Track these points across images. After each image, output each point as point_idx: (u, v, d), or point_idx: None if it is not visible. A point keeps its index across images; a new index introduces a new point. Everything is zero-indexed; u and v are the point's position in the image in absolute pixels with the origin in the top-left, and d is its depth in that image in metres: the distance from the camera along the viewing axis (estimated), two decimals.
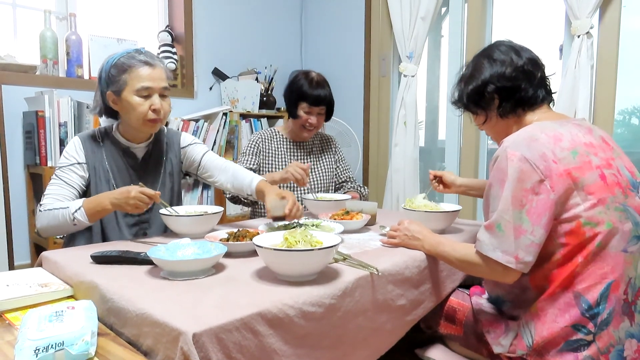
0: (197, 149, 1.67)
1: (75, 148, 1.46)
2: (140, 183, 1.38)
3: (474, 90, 1.23)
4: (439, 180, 1.66)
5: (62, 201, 1.38)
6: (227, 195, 1.95)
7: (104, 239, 1.48)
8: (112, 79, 1.41)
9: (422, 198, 1.59)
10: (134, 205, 1.31)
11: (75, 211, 1.32)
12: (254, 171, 1.98)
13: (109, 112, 1.49)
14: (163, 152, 1.60)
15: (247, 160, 2.00)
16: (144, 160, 1.55)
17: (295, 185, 2.01)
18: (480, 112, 1.26)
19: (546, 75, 1.22)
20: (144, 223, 1.54)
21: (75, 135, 1.53)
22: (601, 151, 1.08)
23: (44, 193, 1.41)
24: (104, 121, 1.60)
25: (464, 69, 1.30)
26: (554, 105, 1.25)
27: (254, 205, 2.03)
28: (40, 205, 1.38)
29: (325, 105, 2.00)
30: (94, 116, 2.26)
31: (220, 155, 2.73)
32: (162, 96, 1.45)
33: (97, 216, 1.36)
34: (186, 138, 1.68)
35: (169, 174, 1.61)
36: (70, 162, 1.44)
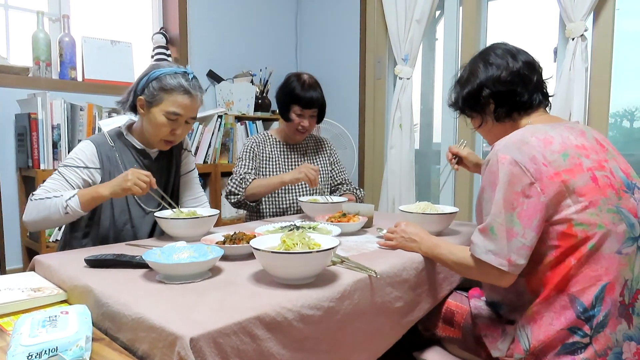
0: (192, 159, 1.75)
1: (87, 154, 1.45)
2: (135, 166, 1.40)
3: (469, 94, 1.23)
4: (459, 160, 1.58)
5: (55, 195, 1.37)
6: (232, 200, 1.94)
7: (117, 239, 1.49)
8: (150, 90, 1.44)
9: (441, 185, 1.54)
10: (133, 182, 1.30)
11: (69, 199, 1.31)
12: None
13: (134, 109, 1.52)
14: (173, 150, 1.65)
15: (246, 165, 1.98)
16: (157, 159, 1.60)
17: (304, 185, 2.02)
18: (476, 116, 1.26)
19: (543, 78, 1.22)
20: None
21: (86, 139, 1.52)
22: (593, 153, 1.08)
23: (40, 185, 1.40)
24: (103, 124, 1.61)
25: (460, 72, 1.30)
26: (550, 108, 1.25)
27: (254, 210, 2.02)
28: (32, 194, 1.36)
29: (318, 107, 1.99)
30: (87, 119, 2.24)
31: (215, 159, 2.75)
32: (186, 122, 1.50)
33: (91, 203, 1.35)
34: (187, 141, 1.74)
35: (175, 173, 1.66)
36: (77, 164, 1.44)
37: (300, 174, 1.77)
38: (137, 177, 1.31)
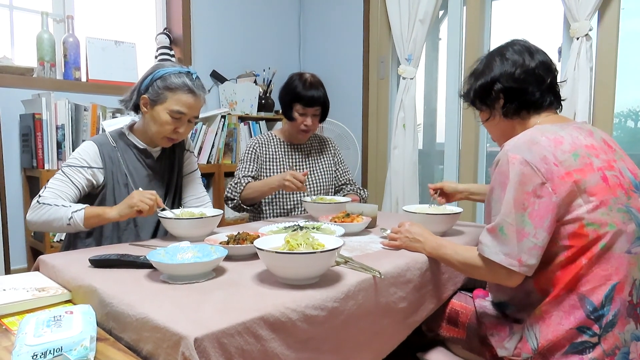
0: (194, 160, 1.75)
1: (90, 154, 1.46)
2: (139, 188, 1.40)
3: (481, 87, 1.22)
4: (440, 192, 1.64)
5: (63, 199, 1.37)
6: (230, 205, 1.94)
7: (120, 238, 1.49)
8: (154, 89, 1.46)
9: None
10: (142, 203, 1.29)
11: (75, 211, 1.31)
12: (254, 178, 1.97)
13: (137, 109, 1.53)
14: (175, 151, 1.65)
15: (246, 168, 1.98)
16: (159, 159, 1.60)
17: (308, 186, 2.01)
18: (485, 109, 1.26)
19: (557, 81, 1.21)
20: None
21: (88, 139, 1.53)
22: (603, 153, 1.08)
23: (46, 185, 1.40)
24: (106, 125, 1.61)
25: (476, 64, 1.29)
26: (561, 111, 1.24)
27: (257, 211, 2.02)
28: (39, 196, 1.36)
29: (320, 105, 1.99)
30: (92, 119, 2.25)
31: (218, 159, 2.75)
32: (189, 121, 1.51)
33: (94, 221, 1.34)
34: (190, 142, 1.74)
35: (177, 173, 1.66)
36: (80, 164, 1.44)
37: (286, 182, 1.74)
38: (140, 198, 1.30)
